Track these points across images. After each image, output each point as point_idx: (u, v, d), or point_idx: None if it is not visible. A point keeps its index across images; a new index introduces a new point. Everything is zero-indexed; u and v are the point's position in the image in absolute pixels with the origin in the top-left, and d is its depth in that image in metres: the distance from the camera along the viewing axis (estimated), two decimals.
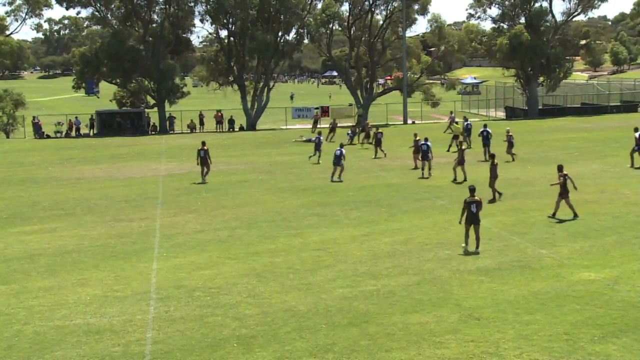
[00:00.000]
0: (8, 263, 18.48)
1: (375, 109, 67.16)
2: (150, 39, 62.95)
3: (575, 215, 21.57)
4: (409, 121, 64.12)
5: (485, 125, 37.28)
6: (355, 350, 12.29)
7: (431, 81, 77.10)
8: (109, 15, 63.91)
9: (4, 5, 72.91)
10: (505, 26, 67.76)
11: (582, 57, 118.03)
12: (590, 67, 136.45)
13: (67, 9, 64.63)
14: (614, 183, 27.68)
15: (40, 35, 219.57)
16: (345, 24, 66.96)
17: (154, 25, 63.88)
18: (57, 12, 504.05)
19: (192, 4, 63.90)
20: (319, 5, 66.03)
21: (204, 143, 31.36)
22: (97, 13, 63.81)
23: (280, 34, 63.72)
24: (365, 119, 56.76)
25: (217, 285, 16.00)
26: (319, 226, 21.74)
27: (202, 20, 65.45)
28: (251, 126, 62.44)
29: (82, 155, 43.21)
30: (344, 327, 13.30)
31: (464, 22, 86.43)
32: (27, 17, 68.43)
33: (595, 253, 17.90)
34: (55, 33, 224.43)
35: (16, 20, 68.60)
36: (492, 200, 24.25)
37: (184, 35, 65.80)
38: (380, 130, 40.14)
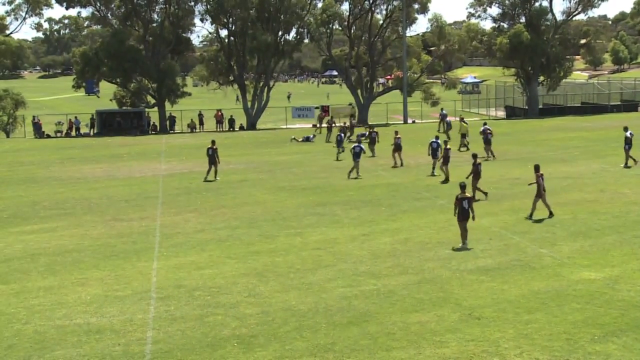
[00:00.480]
0: (8, 262, 18.49)
1: (375, 109, 67.15)
2: (151, 38, 62.94)
3: (551, 214, 21.56)
4: (409, 120, 64.10)
5: (485, 124, 37.73)
6: (356, 349, 12.29)
7: (431, 80, 76.95)
8: (109, 15, 63.95)
9: (4, 4, 72.73)
10: (505, 25, 67.75)
11: (582, 57, 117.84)
12: (591, 67, 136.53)
13: (67, 8, 64.63)
14: (614, 182, 27.68)
15: (40, 34, 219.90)
16: (346, 23, 66.94)
17: (154, 24, 63.86)
18: (57, 11, 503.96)
19: (192, 4, 63.90)
20: (319, 5, 66.09)
21: (213, 142, 31.67)
22: (97, 13, 63.87)
23: (280, 33, 63.70)
24: (354, 119, 56.76)
25: (217, 285, 16.00)
26: (319, 225, 21.74)
27: (202, 20, 65.48)
28: (251, 126, 62.43)
29: (82, 154, 43.21)
30: (344, 327, 13.30)
31: (464, 21, 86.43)
32: (27, 16, 68.40)
33: (595, 252, 17.90)
34: (56, 32, 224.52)
35: (16, 19, 68.58)
36: (476, 200, 24.13)
37: (184, 34, 65.78)
38: (375, 130, 40.27)
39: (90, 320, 14.02)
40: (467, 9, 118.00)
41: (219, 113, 62.44)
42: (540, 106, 67.57)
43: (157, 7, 63.69)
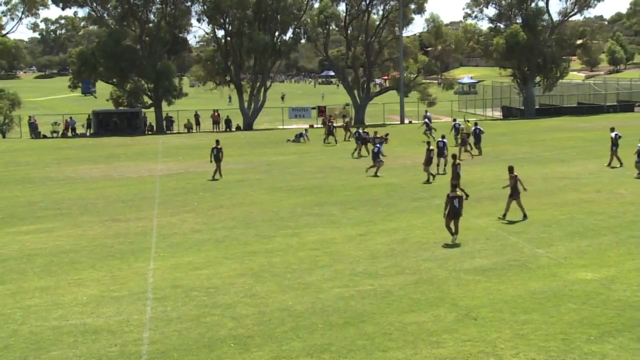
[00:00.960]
0: (4, 263, 18.45)
1: (372, 109, 67.17)
2: (147, 38, 62.87)
3: (525, 216, 21.54)
4: (406, 121, 64.13)
5: (476, 124, 38.58)
6: (352, 350, 12.29)
7: (428, 81, 76.97)
8: (105, 15, 63.85)
9: (0, 4, 72.56)
10: (502, 26, 67.82)
11: (579, 57, 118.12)
12: (587, 67, 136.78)
13: (63, 8, 64.53)
14: (611, 183, 27.73)
15: (36, 34, 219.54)
16: (342, 23, 66.92)
17: (151, 25, 63.79)
18: (53, 11, 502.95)
19: (189, 4, 63.86)
20: (316, 5, 66.10)
21: (217, 142, 32.09)
22: (93, 13, 63.78)
23: (277, 33, 63.67)
24: (347, 118, 56.87)
25: (214, 285, 15.99)
26: (316, 226, 21.74)
27: (199, 20, 65.37)
28: (248, 126, 62.40)
29: (78, 155, 43.15)
30: (341, 327, 13.30)
31: (460, 21, 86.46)
32: (23, 16, 68.26)
33: (591, 252, 17.92)
34: (52, 33, 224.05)
35: (12, 19, 68.44)
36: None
37: (180, 35, 65.72)
38: (366, 130, 40.45)
39: (86, 320, 14.00)
40: (463, 9, 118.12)
41: (216, 113, 62.40)
42: (537, 106, 67.62)
43: (153, 7, 63.66)
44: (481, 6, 67.87)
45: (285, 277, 16.48)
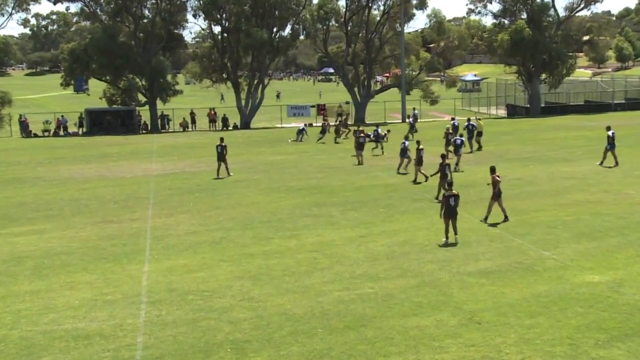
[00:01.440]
0: None
1: (373, 107, 67.19)
2: (142, 34, 62.84)
3: (506, 218, 21.49)
4: (408, 119, 64.14)
5: (469, 119, 39.18)
6: (353, 355, 12.29)
7: (430, 78, 77.09)
8: (98, 10, 63.74)
9: None
10: (506, 21, 67.79)
11: (586, 54, 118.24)
12: (594, 64, 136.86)
13: (54, 3, 64.53)
14: (618, 183, 27.73)
15: (27, 30, 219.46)
16: (342, 19, 66.94)
17: (145, 20, 63.74)
18: (44, 7, 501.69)
19: None
20: (315, 1, 66.10)
21: (222, 139, 32.34)
22: (86, 8, 63.67)
23: (275, 29, 63.68)
24: (342, 117, 57.06)
25: (210, 288, 15.98)
26: (315, 227, 21.73)
27: (194, 16, 65.45)
28: (245, 125, 62.41)
29: (71, 154, 43.13)
30: (341, 331, 13.29)
31: (464, 17, 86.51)
32: (13, 12, 68.04)
33: (599, 255, 17.92)
34: (43, 28, 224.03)
35: (2, 15, 68.20)
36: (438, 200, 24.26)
37: (176, 31, 65.67)
38: (361, 129, 40.55)
39: (78, 325, 13.98)
40: (467, 4, 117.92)
41: (212, 112, 62.41)
42: (542, 105, 67.66)
43: (148, 3, 63.58)
44: (485, 1, 67.83)
45: (283, 280, 16.48)
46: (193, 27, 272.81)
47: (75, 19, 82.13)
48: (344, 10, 66.56)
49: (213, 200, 26.52)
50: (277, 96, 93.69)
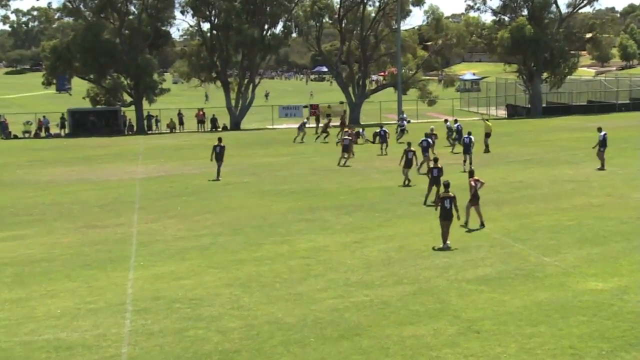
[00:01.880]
0: None
1: (368, 107, 67.29)
2: (127, 32, 62.78)
3: (482, 225, 21.42)
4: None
5: (456, 121, 40.54)
6: None
7: (428, 77, 77.18)
8: (81, 6, 63.65)
9: None
10: (506, 18, 68.02)
11: (589, 52, 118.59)
12: (597, 62, 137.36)
13: None
14: (623, 186, 27.82)
15: (7, 27, 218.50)
16: (336, 16, 67.02)
17: (131, 17, 63.72)
18: (25, 2, 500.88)
19: None
20: None
21: (220, 139, 32.64)
22: (69, 4, 63.57)
23: (266, 26, 63.71)
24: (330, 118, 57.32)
25: (199, 296, 15.96)
26: (307, 232, 21.73)
27: (182, 12, 65.30)
28: (235, 125, 62.38)
29: (53, 156, 43.04)
30: (335, 341, 13.29)
31: (462, 14, 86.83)
32: None
33: (602, 261, 17.96)
34: (24, 25, 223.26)
35: None
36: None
37: (163, 28, 65.66)
38: (385, 129, 40.76)
39: (60, 335, 13.94)
40: (465, 1, 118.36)
41: (201, 112, 62.35)
42: (544, 105, 67.85)
43: None
44: None
45: (274, 288, 16.47)
46: (181, 24, 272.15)
47: (57, 15, 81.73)
48: (338, 6, 66.66)
49: (201, 204, 26.50)
50: (266, 96, 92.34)
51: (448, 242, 19.38)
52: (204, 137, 54.97)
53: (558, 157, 36.72)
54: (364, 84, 67.96)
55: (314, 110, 62.30)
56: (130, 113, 63.11)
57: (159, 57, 71.06)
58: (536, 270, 17.30)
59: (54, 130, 60.37)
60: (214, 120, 62.09)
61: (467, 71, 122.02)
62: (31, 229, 23.36)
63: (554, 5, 66.06)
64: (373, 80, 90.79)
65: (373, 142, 44.13)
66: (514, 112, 68.11)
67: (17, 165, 39.38)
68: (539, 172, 31.78)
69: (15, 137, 58.00)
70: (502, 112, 69.11)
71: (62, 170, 36.95)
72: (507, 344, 12.93)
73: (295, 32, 67.94)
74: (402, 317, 14.38)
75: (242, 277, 17.32)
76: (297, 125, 49.27)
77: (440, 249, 19.07)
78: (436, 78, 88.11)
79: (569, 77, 67.93)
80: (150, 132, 61.59)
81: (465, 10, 72.67)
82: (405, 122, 48.61)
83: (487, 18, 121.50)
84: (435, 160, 26.48)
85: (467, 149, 32.85)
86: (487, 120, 42.42)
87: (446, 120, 43.69)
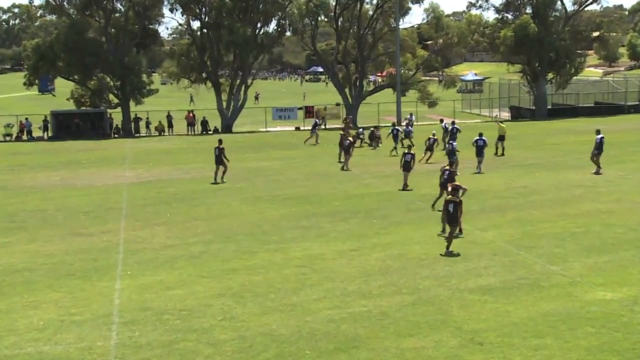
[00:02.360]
0: None
1: (365, 109, 67.35)
2: (113, 30, 62.77)
3: (460, 232, 21.21)
4: (404, 122, 64.31)
5: (453, 122, 41.50)
6: None
7: (428, 78, 77.44)
8: (65, 3, 63.62)
9: None
10: (510, 17, 68.21)
11: (596, 51, 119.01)
12: (605, 62, 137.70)
13: None
14: (632, 191, 27.89)
15: None
16: (332, 14, 67.13)
17: (117, 14, 63.73)
18: None
19: None
20: None
21: (220, 141, 32.87)
22: (52, 1, 63.56)
23: (259, 25, 63.78)
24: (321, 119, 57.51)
25: (189, 307, 15.94)
26: (303, 240, 21.73)
27: (171, 10, 65.40)
28: (227, 128, 62.40)
29: (35, 161, 42.98)
30: (331, 353, 13.29)
31: (464, 12, 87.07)
32: None
33: (611, 270, 17.99)
34: (4, 23, 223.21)
35: None
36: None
37: (151, 26, 65.70)
38: (397, 127, 41.06)
39: (43, 348, 13.90)
40: None
41: (191, 114, 62.34)
42: (549, 106, 68.06)
43: None
44: None
45: (268, 298, 16.46)
46: (170, 22, 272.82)
47: (39, 13, 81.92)
48: (334, 4, 66.74)
49: (192, 211, 26.48)
50: (256, 98, 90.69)
51: (448, 250, 19.45)
52: (194, 140, 55.02)
53: (564, 161, 36.81)
54: (361, 85, 68.05)
55: (310, 113, 62.45)
56: (116, 115, 63.08)
57: (147, 57, 71.15)
58: (542, 279, 17.32)
59: (36, 133, 60.29)
60: (204, 123, 62.12)
61: (468, 71, 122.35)
62: (13, 236, 23.30)
63: (559, 3, 66.35)
64: (370, 81, 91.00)
65: (370, 145, 44.52)
66: (517, 114, 68.28)
67: None
68: (544, 176, 31.84)
69: None
70: (506, 114, 69.25)
71: (45, 175, 36.90)
72: (511, 357, 12.94)
73: (289, 30, 68.03)
74: (401, 329, 14.38)
75: (234, 287, 17.31)
76: (291, 128, 49.41)
77: (449, 261, 18.90)
78: (436, 79, 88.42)
79: (575, 77, 68.15)
80: (138, 135, 61.57)
81: (467, 8, 72.92)
82: (410, 128, 48.20)
83: (490, 16, 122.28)
84: (451, 163, 26.76)
85: (480, 151, 33.15)
86: (500, 122, 42.59)
87: (442, 120, 43.96)
